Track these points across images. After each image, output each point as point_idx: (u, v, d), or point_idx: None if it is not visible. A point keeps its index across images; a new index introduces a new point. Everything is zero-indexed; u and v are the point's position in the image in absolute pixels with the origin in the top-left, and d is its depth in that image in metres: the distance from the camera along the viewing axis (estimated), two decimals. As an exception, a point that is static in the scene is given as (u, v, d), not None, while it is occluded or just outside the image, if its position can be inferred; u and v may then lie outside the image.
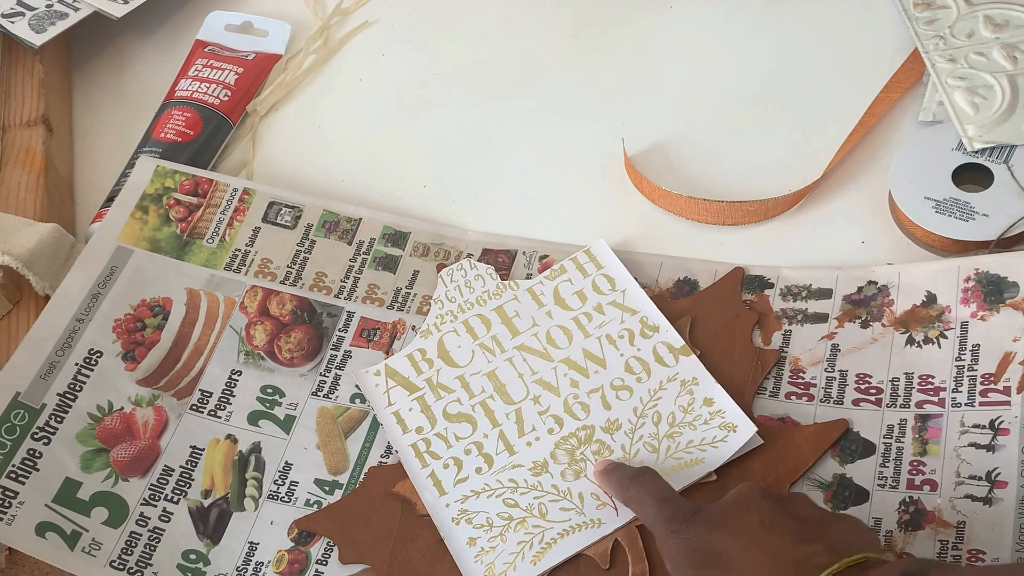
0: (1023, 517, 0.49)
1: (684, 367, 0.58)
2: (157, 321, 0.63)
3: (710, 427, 0.56)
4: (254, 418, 0.60)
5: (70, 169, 0.75)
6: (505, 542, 0.54)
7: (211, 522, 0.57)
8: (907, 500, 0.52)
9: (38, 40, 0.75)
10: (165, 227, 0.67)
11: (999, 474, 0.51)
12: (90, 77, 0.81)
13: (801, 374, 0.57)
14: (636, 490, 0.51)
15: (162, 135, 0.72)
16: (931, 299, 0.58)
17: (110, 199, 0.70)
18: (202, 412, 0.60)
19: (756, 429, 0.55)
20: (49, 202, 0.69)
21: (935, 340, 0.56)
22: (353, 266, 0.65)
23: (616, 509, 0.54)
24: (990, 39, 0.69)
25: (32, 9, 0.77)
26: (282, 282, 0.65)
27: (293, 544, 0.56)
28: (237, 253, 0.66)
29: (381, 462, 0.58)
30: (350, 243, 0.66)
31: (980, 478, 0.51)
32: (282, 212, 0.68)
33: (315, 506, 0.57)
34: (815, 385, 0.57)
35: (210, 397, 0.61)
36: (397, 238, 0.67)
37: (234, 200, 0.68)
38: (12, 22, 0.76)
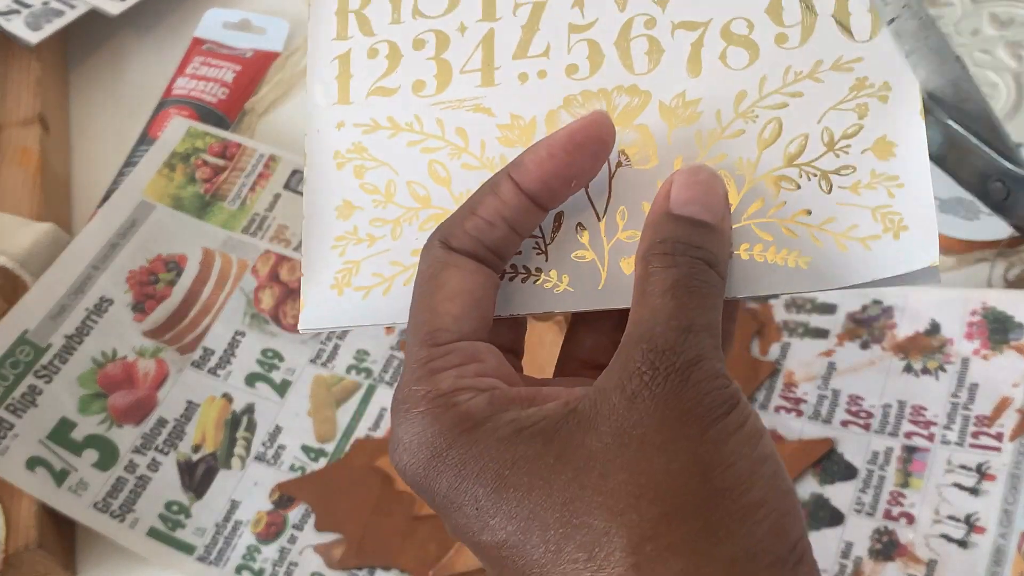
0: (996, 567, 0.48)
1: (873, 56, 0.33)
2: (170, 276, 0.65)
3: (867, 198, 0.32)
4: (251, 380, 0.61)
5: (67, 168, 0.75)
6: (397, 239, 0.36)
7: (197, 477, 0.58)
8: (882, 529, 0.51)
9: (34, 38, 0.75)
10: (190, 186, 0.68)
11: (978, 519, 0.50)
12: (87, 75, 0.81)
13: (793, 388, 0.57)
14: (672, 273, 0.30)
15: (159, 133, 0.72)
16: (935, 328, 0.57)
17: (107, 197, 0.70)
18: (202, 369, 0.61)
19: (936, 260, 0.31)
20: (45, 201, 0.69)
21: (933, 372, 0.55)
22: (366, 241, 0.66)
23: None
24: (995, 37, 0.67)
25: (28, 6, 0.77)
26: (295, 249, 0.66)
27: (273, 507, 0.57)
28: (256, 217, 0.67)
29: (368, 435, 0.59)
30: (366, 218, 0.67)
31: (959, 520, 0.50)
32: (304, 180, 0.69)
33: (299, 471, 0.58)
34: (806, 401, 0.56)
35: (212, 355, 0.62)
36: (413, 217, 0.67)
37: (259, 166, 0.69)
38: (8, 19, 0.76)
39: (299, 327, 0.36)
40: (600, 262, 0.34)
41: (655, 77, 0.35)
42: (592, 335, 0.35)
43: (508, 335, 0.34)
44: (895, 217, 0.32)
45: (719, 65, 0.34)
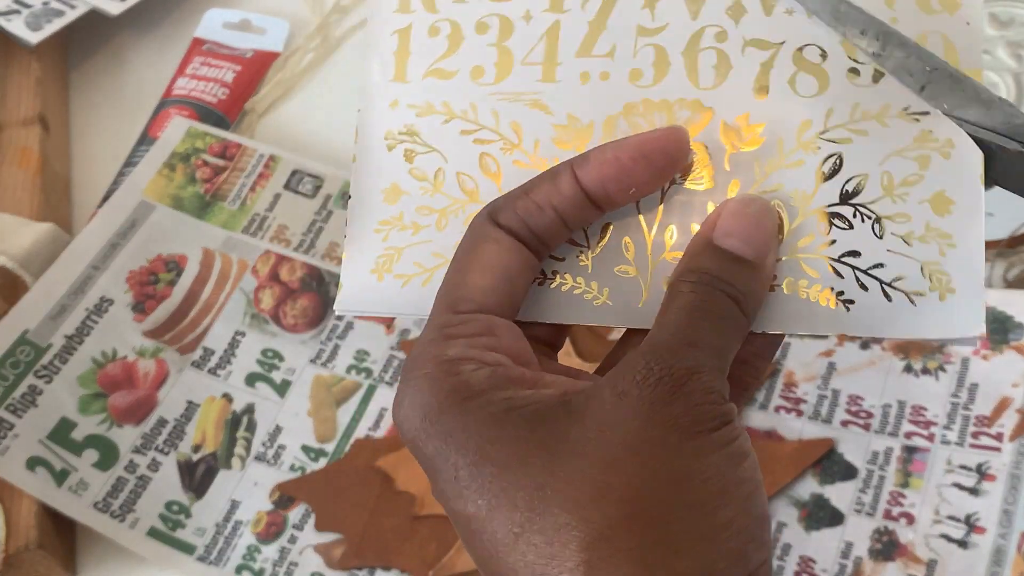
0: (996, 567, 0.48)
1: (940, 112, 0.32)
2: (170, 276, 0.65)
3: (918, 251, 0.31)
4: (251, 380, 0.61)
5: (67, 168, 0.75)
6: (441, 230, 0.36)
7: (197, 477, 0.58)
8: (882, 529, 0.51)
9: (34, 38, 0.75)
10: (190, 186, 0.68)
11: (978, 519, 0.50)
12: (87, 75, 0.81)
13: (793, 388, 0.57)
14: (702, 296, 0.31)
15: (159, 133, 0.72)
16: (935, 329, 0.57)
17: (107, 197, 0.70)
18: (202, 369, 0.61)
19: (982, 332, 0.31)
20: (45, 201, 0.69)
21: (933, 372, 0.55)
22: (366, 241, 0.66)
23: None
24: (995, 37, 0.67)
25: (28, 7, 0.77)
26: (295, 249, 0.66)
27: (273, 507, 0.57)
28: (256, 217, 0.67)
29: (368, 435, 0.59)
30: (366, 218, 0.67)
31: (959, 520, 0.50)
32: (304, 181, 0.69)
33: (299, 471, 0.58)
34: (806, 401, 0.56)
35: (212, 355, 0.62)
36: (413, 217, 0.67)
37: (259, 166, 0.69)
38: (8, 20, 0.76)
39: (335, 308, 0.36)
40: (643, 279, 0.33)
41: (720, 94, 0.34)
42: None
43: (545, 328, 0.34)
44: (943, 277, 0.31)
45: (787, 90, 0.33)
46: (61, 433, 0.58)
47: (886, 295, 0.31)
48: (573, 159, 0.32)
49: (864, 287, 0.31)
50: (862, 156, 0.32)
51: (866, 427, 0.54)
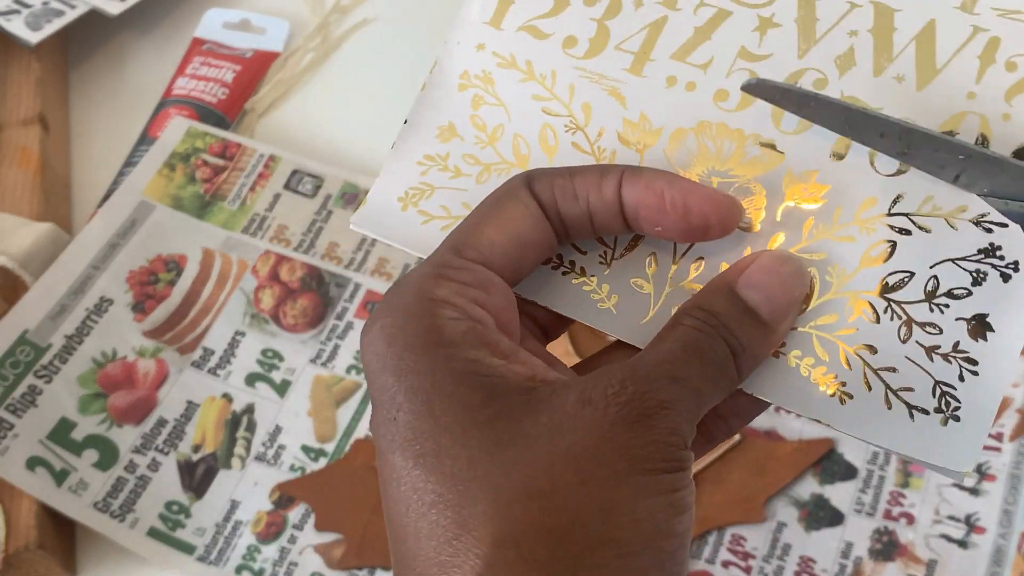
0: (996, 567, 0.48)
1: (1016, 231, 0.30)
2: (170, 276, 0.64)
3: (937, 368, 0.30)
4: (251, 380, 0.61)
5: (67, 168, 0.75)
6: (480, 184, 0.35)
7: (197, 477, 0.58)
8: (882, 529, 0.51)
9: (34, 38, 0.75)
10: (189, 186, 0.68)
11: (979, 519, 0.50)
12: (87, 75, 0.81)
13: (793, 391, 0.57)
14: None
15: (159, 133, 0.72)
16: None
17: (107, 197, 0.70)
18: (202, 369, 0.61)
19: (969, 470, 0.30)
20: (45, 201, 0.69)
21: (934, 371, 0.55)
22: (366, 239, 0.66)
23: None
24: None
25: (28, 6, 0.77)
26: (295, 249, 0.66)
27: (273, 507, 0.57)
28: (256, 217, 0.67)
29: (368, 435, 0.59)
30: (366, 218, 0.67)
31: (959, 520, 0.50)
32: (304, 181, 0.69)
33: (299, 471, 0.58)
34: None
35: (212, 355, 0.62)
36: (413, 217, 0.67)
37: (259, 165, 0.69)
38: (8, 19, 0.76)
39: (351, 222, 0.35)
40: (654, 299, 0.32)
41: (796, 143, 0.32)
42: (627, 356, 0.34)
43: (546, 314, 0.33)
44: (953, 403, 0.29)
45: (865, 162, 0.31)
46: (61, 433, 0.58)
47: (888, 402, 0.29)
48: (628, 167, 0.31)
49: (869, 386, 0.30)
50: (916, 253, 0.30)
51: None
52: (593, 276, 0.33)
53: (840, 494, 0.53)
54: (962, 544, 0.49)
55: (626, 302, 0.32)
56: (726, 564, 0.51)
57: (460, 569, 0.26)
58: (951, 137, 0.30)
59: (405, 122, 0.36)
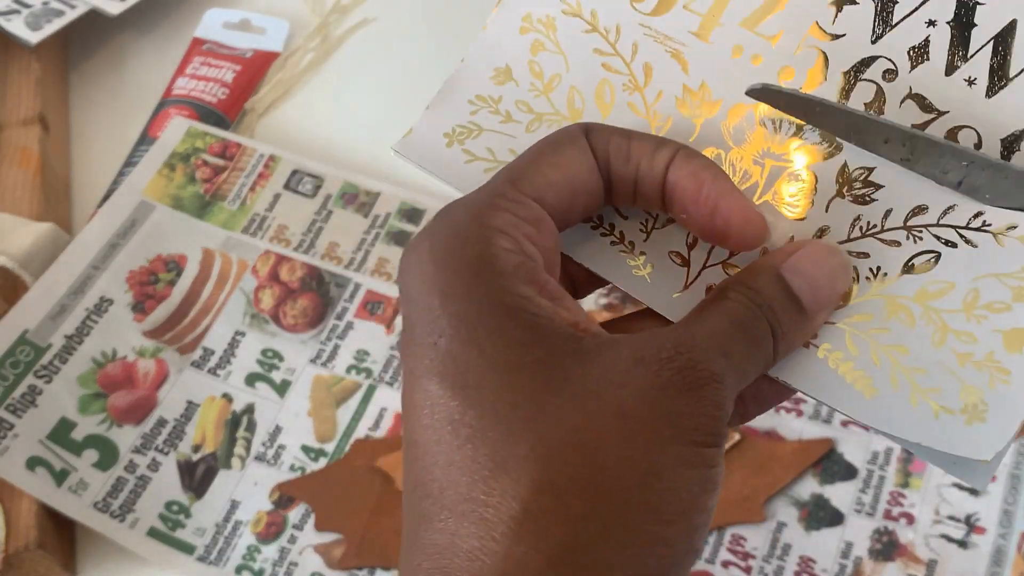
0: (996, 567, 0.48)
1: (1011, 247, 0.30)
2: (170, 276, 0.64)
3: (968, 374, 0.29)
4: (251, 380, 0.61)
5: (67, 168, 0.75)
6: (529, 133, 0.35)
7: (197, 477, 0.58)
8: (882, 529, 0.51)
9: (34, 38, 0.75)
10: (189, 186, 0.68)
11: (979, 520, 0.50)
12: (87, 75, 0.81)
13: (793, 390, 0.57)
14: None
15: (159, 133, 0.72)
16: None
17: (107, 197, 0.70)
18: (202, 369, 0.61)
19: (988, 458, 0.29)
20: (45, 201, 0.69)
21: (934, 371, 0.55)
22: (366, 239, 0.66)
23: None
24: None
25: (28, 6, 0.77)
26: (295, 249, 0.66)
27: (273, 507, 0.57)
28: (256, 217, 0.67)
29: (368, 435, 0.59)
30: (366, 216, 0.67)
31: (959, 520, 0.50)
32: (304, 180, 0.69)
33: (299, 471, 0.58)
34: (806, 401, 0.56)
35: (212, 355, 0.62)
36: (413, 215, 0.67)
37: (259, 165, 0.69)
38: (8, 19, 0.76)
39: (393, 146, 0.34)
40: (689, 275, 0.32)
41: None
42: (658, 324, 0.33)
43: (579, 270, 0.33)
44: (981, 407, 0.29)
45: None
46: (61, 433, 0.58)
47: (914, 400, 0.29)
48: (685, 147, 0.31)
49: (896, 384, 0.29)
50: (959, 265, 0.30)
51: (866, 427, 0.54)
52: (632, 242, 0.32)
53: (840, 494, 0.53)
54: (962, 544, 0.49)
55: (661, 273, 0.32)
56: (726, 564, 0.51)
57: (495, 509, 0.25)
58: (954, 143, 0.30)
59: (461, 60, 0.36)
